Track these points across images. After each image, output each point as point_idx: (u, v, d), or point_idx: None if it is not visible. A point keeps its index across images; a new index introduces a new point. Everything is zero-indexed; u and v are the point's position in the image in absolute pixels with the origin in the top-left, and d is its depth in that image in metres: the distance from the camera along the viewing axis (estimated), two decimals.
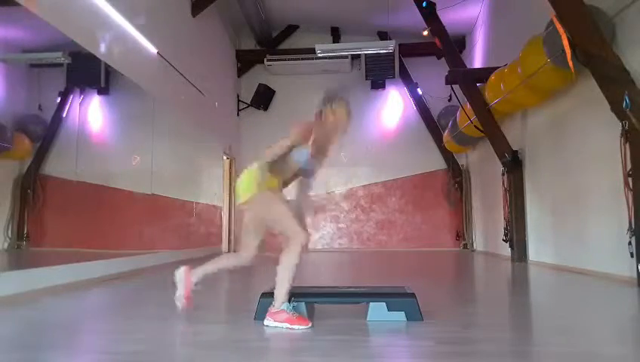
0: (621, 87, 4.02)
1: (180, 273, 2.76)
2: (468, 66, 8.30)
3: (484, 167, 8.76)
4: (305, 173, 2.76)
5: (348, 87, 2.74)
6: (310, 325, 2.47)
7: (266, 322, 2.53)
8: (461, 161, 10.16)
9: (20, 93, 4.28)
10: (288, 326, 2.46)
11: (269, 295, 2.72)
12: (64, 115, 4.66)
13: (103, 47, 4.94)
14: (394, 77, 10.02)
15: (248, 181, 2.62)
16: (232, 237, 9.87)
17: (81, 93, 4.93)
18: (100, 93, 5.26)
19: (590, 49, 4.19)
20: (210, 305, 3.52)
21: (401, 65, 10.13)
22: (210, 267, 2.83)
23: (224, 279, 5.63)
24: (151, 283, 4.74)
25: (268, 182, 2.57)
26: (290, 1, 9.25)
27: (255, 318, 2.65)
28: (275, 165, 2.60)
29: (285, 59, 10.17)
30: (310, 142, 2.58)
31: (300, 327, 2.45)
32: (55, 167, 4.50)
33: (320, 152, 2.70)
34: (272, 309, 2.54)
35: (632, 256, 4.03)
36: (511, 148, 6.80)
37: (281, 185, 2.69)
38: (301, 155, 2.60)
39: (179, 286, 2.75)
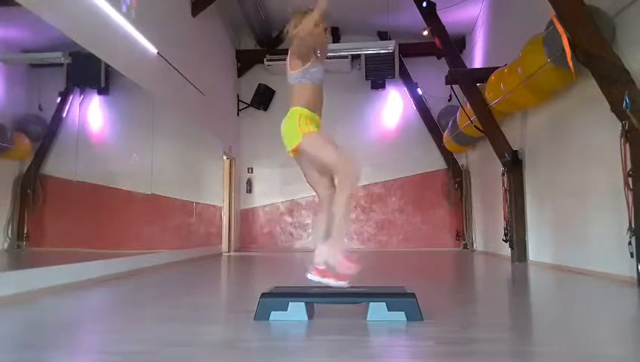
0: (621, 87, 4.02)
1: (313, 276, 2.70)
2: (468, 66, 8.30)
3: (484, 167, 8.76)
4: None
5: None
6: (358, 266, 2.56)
7: (327, 255, 2.64)
8: (461, 161, 10.16)
9: (19, 93, 4.28)
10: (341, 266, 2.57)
11: (269, 295, 2.73)
12: (64, 115, 4.66)
13: (103, 47, 4.94)
14: (394, 77, 10.02)
15: (291, 128, 2.71)
16: (232, 238, 9.88)
17: (81, 93, 4.93)
18: (100, 93, 5.26)
19: (590, 49, 4.19)
20: (210, 305, 3.52)
21: (401, 65, 10.12)
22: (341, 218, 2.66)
23: (224, 279, 5.63)
24: (151, 283, 4.74)
25: (308, 127, 2.68)
26: (290, 1, 9.23)
27: (255, 318, 2.65)
28: (309, 99, 2.76)
29: (285, 59, 10.13)
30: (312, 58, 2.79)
31: (350, 269, 2.57)
32: (55, 167, 4.49)
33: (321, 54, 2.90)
34: (333, 241, 2.61)
35: (632, 256, 4.03)
36: (511, 148, 6.80)
37: (319, 120, 2.80)
38: (318, 72, 2.80)
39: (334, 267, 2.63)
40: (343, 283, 2.60)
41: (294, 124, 2.69)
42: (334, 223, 2.63)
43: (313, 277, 2.67)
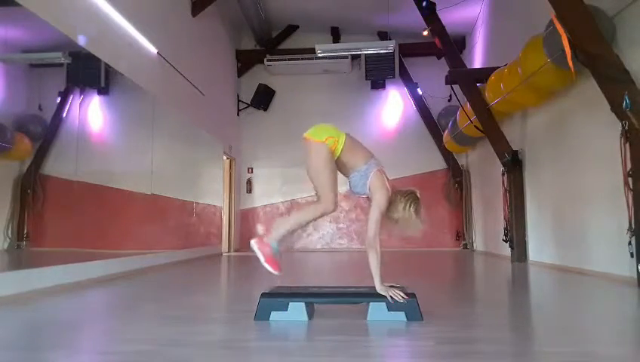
0: (621, 87, 4.02)
1: (252, 244, 2.71)
2: (468, 66, 8.30)
3: (484, 167, 8.76)
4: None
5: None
6: (279, 272, 2.60)
7: (251, 242, 2.67)
8: (461, 161, 10.16)
9: (19, 93, 4.28)
10: (263, 260, 2.61)
11: (269, 295, 2.72)
12: (64, 115, 4.66)
13: (103, 47, 4.94)
14: (394, 77, 10.02)
15: (322, 130, 2.72)
16: (232, 238, 9.88)
17: (81, 93, 4.93)
18: (100, 93, 5.25)
19: (590, 49, 4.19)
20: (210, 305, 3.52)
21: (401, 65, 10.13)
22: (288, 225, 2.73)
23: (224, 279, 5.63)
24: (151, 283, 4.74)
25: (334, 145, 2.68)
26: (290, 1, 9.25)
27: (255, 318, 2.65)
28: (341, 158, 2.73)
29: (285, 59, 10.16)
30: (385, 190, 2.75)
31: (270, 269, 2.60)
32: (55, 167, 4.49)
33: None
34: (264, 238, 2.66)
35: (632, 256, 4.03)
36: (511, 148, 6.80)
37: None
38: (357, 184, 2.76)
39: (258, 255, 2.68)
40: (273, 271, 2.63)
41: (329, 131, 2.71)
42: (280, 223, 2.72)
43: (253, 244, 2.67)
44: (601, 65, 4.19)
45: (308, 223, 2.71)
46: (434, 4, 7.52)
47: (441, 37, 7.58)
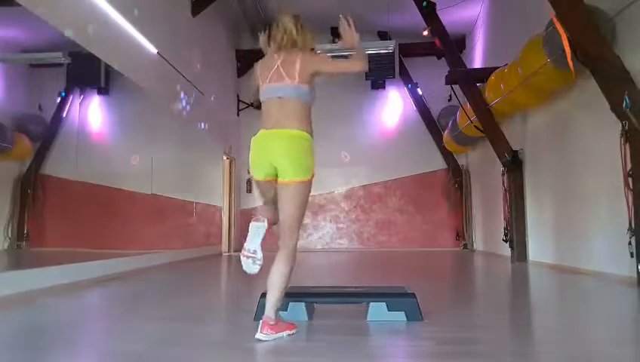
0: (621, 87, 4.02)
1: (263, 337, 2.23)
2: (468, 66, 8.30)
3: (484, 167, 8.76)
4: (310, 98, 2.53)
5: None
6: (294, 330, 2.32)
7: (261, 336, 2.26)
8: (461, 160, 10.16)
9: (19, 93, 4.28)
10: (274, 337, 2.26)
11: None
12: (64, 115, 4.66)
13: (103, 47, 4.94)
14: (394, 77, 10.00)
15: (306, 158, 2.45)
16: (232, 238, 9.88)
17: (81, 93, 4.93)
18: (99, 93, 5.26)
19: (590, 49, 4.19)
20: (211, 305, 3.52)
21: (401, 65, 10.12)
22: (277, 292, 2.35)
23: (224, 279, 5.63)
24: (150, 283, 4.74)
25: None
26: (290, 1, 9.23)
27: (255, 318, 2.65)
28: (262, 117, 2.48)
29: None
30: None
31: (285, 334, 2.30)
32: (55, 167, 4.50)
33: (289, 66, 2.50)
34: (267, 322, 2.28)
35: (632, 256, 4.03)
36: (511, 148, 6.80)
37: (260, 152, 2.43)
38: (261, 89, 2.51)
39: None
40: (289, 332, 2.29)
41: (310, 156, 2.34)
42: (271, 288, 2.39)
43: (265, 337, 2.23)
44: (601, 66, 4.19)
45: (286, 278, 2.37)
46: (434, 4, 7.52)
47: (441, 37, 7.57)
